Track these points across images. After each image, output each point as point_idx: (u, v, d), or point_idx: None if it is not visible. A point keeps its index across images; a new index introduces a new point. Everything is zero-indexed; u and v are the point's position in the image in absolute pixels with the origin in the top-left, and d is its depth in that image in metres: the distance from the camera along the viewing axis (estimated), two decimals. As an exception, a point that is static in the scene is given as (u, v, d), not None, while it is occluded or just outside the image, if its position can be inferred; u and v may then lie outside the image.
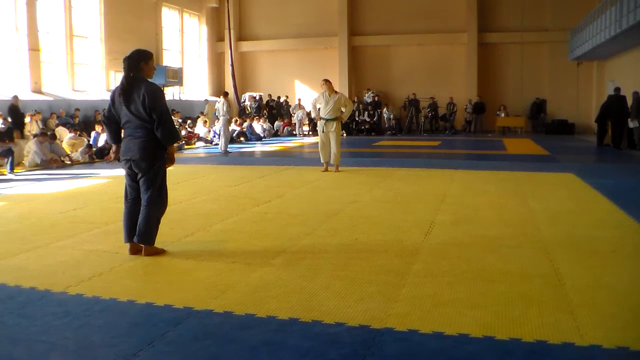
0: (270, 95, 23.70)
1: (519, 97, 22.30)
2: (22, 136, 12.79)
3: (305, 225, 5.58)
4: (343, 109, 10.01)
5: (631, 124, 14.01)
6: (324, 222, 5.70)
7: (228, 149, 14.64)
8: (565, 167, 10.61)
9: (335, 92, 9.86)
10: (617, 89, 14.81)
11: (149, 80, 4.42)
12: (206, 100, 22.59)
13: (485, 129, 22.24)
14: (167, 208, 4.66)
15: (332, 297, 3.49)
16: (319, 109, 9.85)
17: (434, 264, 4.22)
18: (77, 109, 16.11)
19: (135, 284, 3.86)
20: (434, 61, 23.46)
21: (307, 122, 21.58)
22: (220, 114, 14.33)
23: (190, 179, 9.15)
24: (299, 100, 22.61)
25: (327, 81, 9.86)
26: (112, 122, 4.50)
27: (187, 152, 15.00)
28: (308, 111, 19.99)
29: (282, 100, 23.56)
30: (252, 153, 15.10)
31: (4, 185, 8.91)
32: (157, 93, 4.34)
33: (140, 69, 4.38)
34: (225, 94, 15.18)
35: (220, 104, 14.43)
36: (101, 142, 13.54)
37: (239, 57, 25.21)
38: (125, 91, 4.31)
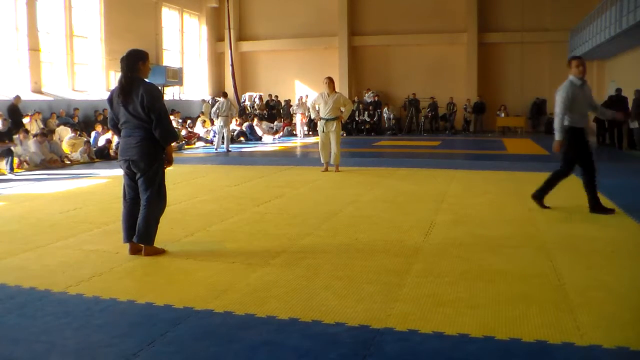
0: (270, 95, 23.69)
1: (519, 97, 22.30)
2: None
3: (305, 225, 5.58)
4: (342, 109, 10.01)
5: (631, 124, 14.01)
6: (324, 222, 5.70)
7: (220, 149, 14.72)
8: (565, 167, 10.59)
9: (335, 91, 9.87)
10: (619, 90, 14.80)
11: (146, 80, 4.44)
12: (203, 100, 22.53)
13: (485, 129, 22.24)
14: (167, 208, 4.67)
15: (332, 297, 3.49)
16: (318, 109, 9.85)
17: (434, 263, 4.22)
18: (76, 109, 16.08)
19: (135, 284, 3.86)
20: (434, 61, 23.46)
21: (308, 122, 21.53)
22: (223, 113, 14.37)
23: (190, 179, 9.14)
24: (300, 98, 22.31)
25: (330, 80, 9.84)
26: (116, 126, 4.52)
27: (187, 152, 15.00)
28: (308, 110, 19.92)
29: (282, 100, 23.53)
30: (252, 153, 15.10)
31: (4, 185, 8.92)
32: (155, 93, 4.36)
33: (138, 69, 4.40)
34: (225, 94, 15.27)
35: (226, 103, 14.47)
36: (101, 142, 13.55)
37: (239, 57, 25.21)
38: (125, 91, 4.32)
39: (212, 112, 14.98)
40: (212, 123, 17.34)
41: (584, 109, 6.17)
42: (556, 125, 6.06)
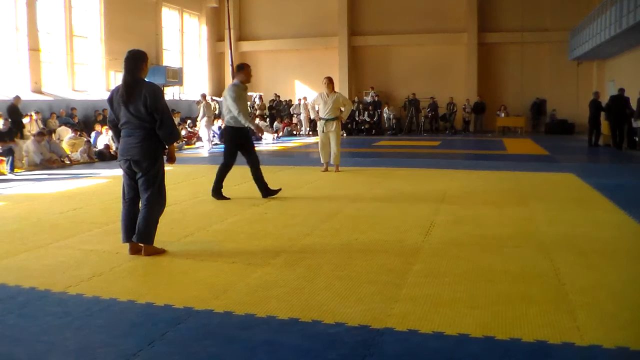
0: (275, 94, 23.61)
1: (519, 97, 22.30)
2: (22, 136, 12.80)
3: (305, 225, 5.58)
4: (342, 109, 10.00)
5: (634, 123, 14.01)
6: (324, 222, 5.70)
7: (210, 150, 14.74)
8: (565, 167, 10.61)
9: (334, 91, 9.85)
10: (621, 90, 14.76)
11: (146, 80, 4.47)
12: (198, 101, 22.48)
13: (485, 129, 22.25)
14: (167, 208, 4.68)
15: (332, 297, 3.49)
16: (318, 109, 9.85)
17: (434, 264, 4.22)
18: (73, 108, 16.04)
19: (135, 284, 3.86)
20: (434, 61, 23.46)
21: (308, 121, 21.59)
22: (201, 115, 14.48)
23: (190, 179, 9.15)
24: (305, 98, 22.30)
25: (329, 80, 9.82)
26: (116, 126, 4.52)
27: (187, 152, 14.99)
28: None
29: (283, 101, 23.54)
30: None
31: (4, 185, 8.91)
32: (158, 93, 4.39)
33: (142, 69, 4.44)
34: (204, 96, 15.29)
35: (205, 105, 14.58)
36: (101, 143, 13.55)
37: (239, 57, 25.17)
38: (129, 91, 4.33)
39: (199, 115, 15.11)
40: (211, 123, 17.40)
41: (246, 111, 7.19)
42: (243, 120, 7.00)
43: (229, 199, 7.10)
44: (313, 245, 4.81)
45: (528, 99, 22.49)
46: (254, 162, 7.17)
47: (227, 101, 7.08)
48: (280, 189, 7.32)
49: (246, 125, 7.10)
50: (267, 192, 7.22)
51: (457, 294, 3.53)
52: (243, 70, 7.23)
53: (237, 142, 7.14)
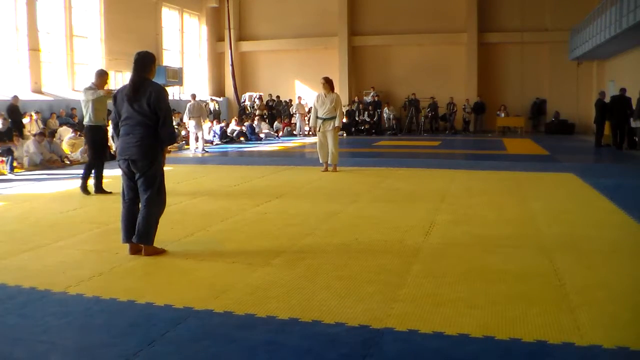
0: (270, 95, 23.67)
1: (519, 97, 22.30)
2: (22, 136, 12.79)
3: (305, 225, 5.58)
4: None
5: (634, 123, 14.00)
6: (324, 222, 5.69)
7: (196, 151, 14.65)
8: (565, 167, 10.61)
9: (331, 92, 9.82)
10: (623, 90, 14.73)
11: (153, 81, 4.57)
12: (202, 102, 22.49)
13: (485, 129, 22.24)
14: (167, 208, 4.68)
15: (332, 297, 3.49)
16: (317, 110, 9.83)
17: (434, 264, 4.22)
18: (73, 109, 16.04)
19: (135, 284, 3.86)
20: (434, 61, 23.46)
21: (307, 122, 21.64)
22: (194, 115, 14.36)
23: (191, 179, 9.14)
24: (300, 98, 22.44)
25: (326, 80, 9.79)
26: (118, 125, 4.58)
27: (187, 152, 14.99)
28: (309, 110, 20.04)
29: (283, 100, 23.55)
30: (252, 153, 15.11)
31: (4, 185, 8.91)
32: (163, 94, 4.48)
33: (150, 70, 4.53)
34: (193, 96, 15.10)
35: (196, 105, 14.48)
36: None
37: (239, 57, 25.21)
38: (135, 89, 4.40)
39: (184, 115, 14.93)
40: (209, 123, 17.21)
41: (104, 113, 7.92)
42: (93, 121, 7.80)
43: (109, 192, 7.66)
44: (313, 245, 4.81)
45: (528, 99, 22.49)
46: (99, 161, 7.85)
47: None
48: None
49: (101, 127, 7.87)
50: (99, 189, 7.80)
51: (457, 294, 3.53)
52: (103, 75, 8.09)
53: (95, 140, 7.85)
